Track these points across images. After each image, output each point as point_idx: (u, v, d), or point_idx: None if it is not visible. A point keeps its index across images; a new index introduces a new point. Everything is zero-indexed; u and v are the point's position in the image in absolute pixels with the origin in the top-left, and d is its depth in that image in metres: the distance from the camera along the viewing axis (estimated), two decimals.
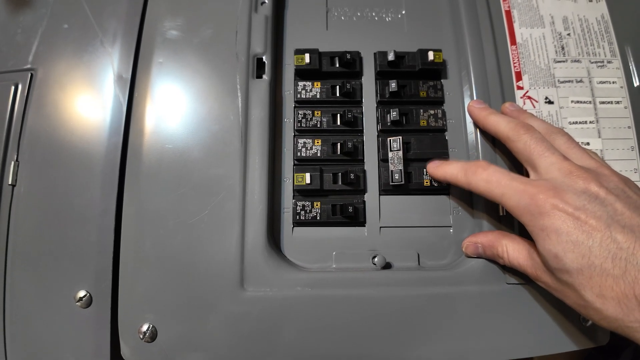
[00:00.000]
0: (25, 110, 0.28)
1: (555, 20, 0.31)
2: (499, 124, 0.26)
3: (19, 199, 0.27)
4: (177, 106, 0.28)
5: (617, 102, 0.29)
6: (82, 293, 0.26)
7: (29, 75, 0.29)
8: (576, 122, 0.29)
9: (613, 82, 0.30)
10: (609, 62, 0.30)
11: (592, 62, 0.30)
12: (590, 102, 0.29)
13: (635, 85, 0.30)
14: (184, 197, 0.26)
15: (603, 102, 0.29)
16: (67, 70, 0.29)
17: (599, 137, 0.29)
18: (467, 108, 0.28)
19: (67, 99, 0.29)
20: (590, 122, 0.29)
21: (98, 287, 0.26)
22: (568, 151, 0.25)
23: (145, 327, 0.25)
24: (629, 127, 0.29)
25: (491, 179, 0.24)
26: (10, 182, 0.27)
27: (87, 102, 0.28)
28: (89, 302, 0.26)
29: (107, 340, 0.26)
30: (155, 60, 0.29)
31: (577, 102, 0.29)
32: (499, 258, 0.25)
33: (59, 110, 0.28)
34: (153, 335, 0.25)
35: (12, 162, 0.27)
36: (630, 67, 0.30)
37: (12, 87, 0.28)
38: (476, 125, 0.28)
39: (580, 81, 0.30)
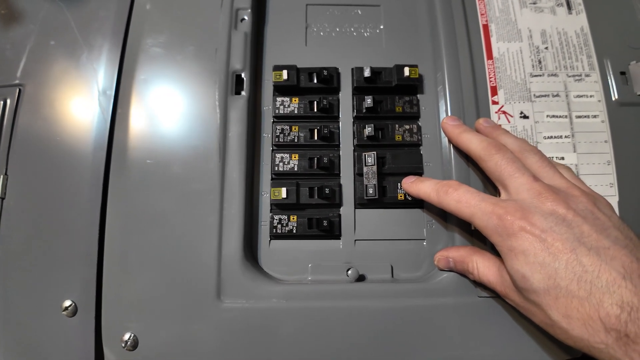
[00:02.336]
0: (13, 125, 0.30)
1: (533, 34, 0.31)
2: (471, 143, 0.27)
3: (8, 211, 0.29)
4: (158, 122, 0.29)
5: (594, 116, 0.30)
6: (67, 303, 0.27)
7: (17, 90, 0.30)
8: (551, 137, 0.30)
9: (590, 96, 0.31)
10: (587, 75, 0.31)
11: (570, 76, 0.31)
12: (566, 117, 0.30)
13: (613, 99, 0.31)
14: (165, 211, 0.28)
15: (579, 117, 0.30)
16: (54, 86, 0.31)
17: (574, 151, 0.29)
18: (441, 124, 0.29)
19: (54, 114, 0.30)
20: (566, 137, 0.30)
21: (83, 297, 0.28)
22: (539, 170, 0.25)
23: (127, 336, 0.26)
24: (605, 142, 0.30)
25: (461, 199, 0.25)
26: None
27: (72, 118, 0.30)
28: (74, 311, 0.28)
29: (91, 349, 0.27)
30: (137, 76, 0.30)
31: (553, 116, 0.30)
32: (469, 273, 0.26)
33: (46, 126, 0.30)
34: (135, 344, 0.26)
35: (1, 176, 0.29)
36: (609, 80, 0.31)
37: (1, 102, 0.30)
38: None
39: (557, 95, 0.30)
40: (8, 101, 0.30)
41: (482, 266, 0.25)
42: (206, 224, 0.27)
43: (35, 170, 0.29)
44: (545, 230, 0.21)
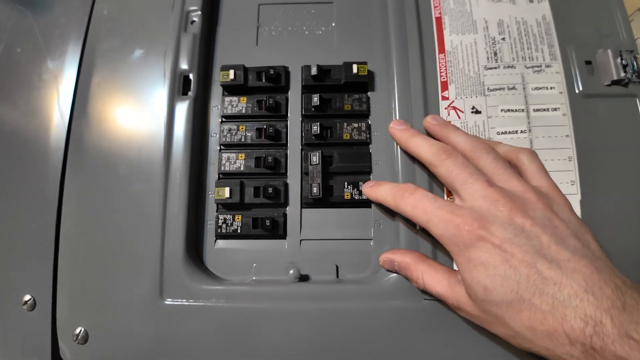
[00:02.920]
0: None
1: (490, 25, 0.30)
2: (421, 148, 0.26)
3: None
4: (111, 124, 0.30)
5: (555, 109, 0.29)
6: (27, 297, 0.29)
7: None
8: (505, 132, 0.28)
9: (551, 88, 0.29)
10: (547, 66, 0.29)
11: (528, 67, 0.29)
12: (522, 110, 0.29)
13: (577, 91, 0.29)
14: (112, 211, 0.29)
15: (538, 110, 0.29)
16: (19, 92, 0.32)
17: (531, 147, 0.28)
18: (388, 129, 0.29)
19: (17, 119, 0.32)
20: (522, 132, 0.28)
21: (41, 292, 0.29)
22: (494, 172, 0.24)
23: (78, 330, 0.28)
24: (567, 136, 0.28)
25: (417, 204, 0.24)
26: None
27: (34, 121, 0.31)
28: (33, 305, 0.29)
29: (49, 341, 0.29)
30: (93, 80, 0.31)
31: (508, 110, 0.29)
32: (412, 281, 0.26)
33: (8, 131, 0.32)
34: (85, 338, 0.28)
35: None
36: (573, 70, 0.29)
37: None
38: None
39: (513, 88, 0.29)
40: None
41: (429, 278, 0.24)
42: (149, 224, 0.28)
43: (0, 172, 0.31)
44: (505, 241, 0.21)
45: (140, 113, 0.30)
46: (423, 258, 0.26)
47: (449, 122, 0.28)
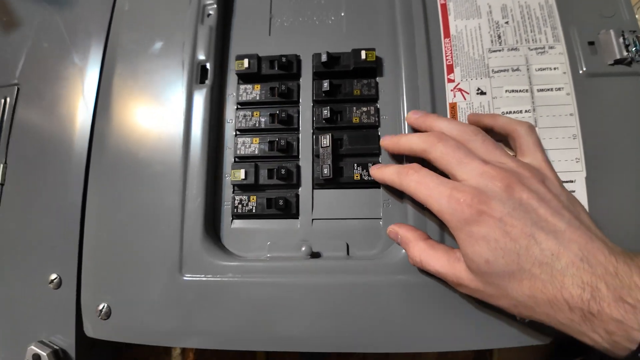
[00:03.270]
0: (12, 120, 0.34)
1: (493, 9, 0.31)
2: (412, 142, 0.27)
3: (6, 196, 0.33)
4: (132, 113, 0.32)
5: (558, 89, 0.30)
6: (53, 276, 0.31)
7: (16, 89, 0.35)
8: (510, 112, 0.29)
9: (555, 68, 0.30)
10: (550, 47, 0.30)
11: (532, 49, 0.30)
12: (526, 91, 0.30)
13: (580, 71, 0.30)
14: (134, 192, 0.31)
15: (541, 90, 0.30)
16: (46, 84, 0.35)
17: (536, 126, 0.29)
18: (380, 143, 0.30)
19: (46, 110, 0.34)
20: (526, 112, 0.29)
21: (66, 271, 0.31)
22: (486, 153, 0.25)
23: (101, 306, 0.29)
24: (571, 115, 0.29)
25: (421, 180, 0.25)
26: None
27: (61, 112, 0.34)
28: (59, 284, 0.31)
29: (73, 317, 0.30)
30: (116, 72, 0.33)
31: (512, 91, 0.30)
32: (409, 258, 0.27)
33: (39, 120, 0.34)
34: (108, 314, 0.29)
35: (1, 164, 0.33)
36: (576, 51, 0.30)
37: (2, 100, 0.34)
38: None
39: (517, 69, 0.30)
40: (8, 99, 0.34)
41: (427, 256, 0.26)
42: (169, 205, 0.30)
43: (28, 159, 0.33)
44: (505, 214, 0.22)
45: (161, 101, 0.32)
46: (424, 237, 0.27)
47: (430, 113, 0.29)
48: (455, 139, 0.26)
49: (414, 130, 0.29)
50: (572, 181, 0.28)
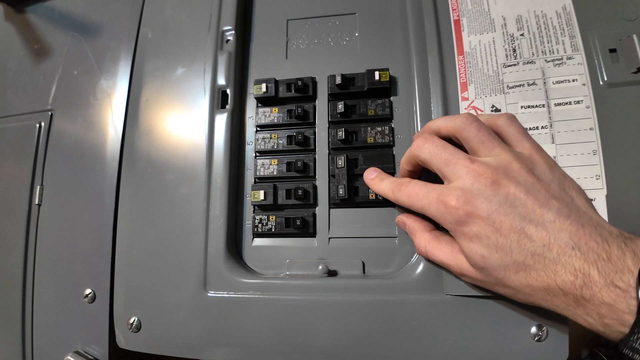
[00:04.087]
0: (47, 144, 0.37)
1: (508, 21, 0.32)
2: (410, 150, 0.28)
3: (43, 216, 0.36)
4: (157, 136, 0.35)
5: (577, 102, 0.30)
6: (88, 291, 0.34)
7: (50, 114, 0.38)
8: (526, 129, 0.30)
9: (573, 80, 0.30)
10: (569, 58, 0.31)
11: (549, 61, 0.31)
12: (543, 106, 0.30)
13: (601, 82, 0.30)
14: (161, 212, 0.33)
15: (559, 104, 0.30)
16: (78, 110, 0.38)
17: (553, 142, 0.30)
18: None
19: (78, 134, 0.37)
20: (543, 127, 0.30)
21: (100, 286, 0.34)
22: (478, 145, 0.26)
23: (132, 320, 0.32)
24: (590, 129, 0.29)
25: (411, 193, 0.27)
26: (37, 202, 0.36)
27: (91, 136, 0.37)
28: (93, 298, 0.34)
29: (106, 330, 0.33)
30: (141, 98, 0.36)
31: (528, 106, 0.30)
32: (416, 248, 0.29)
33: (72, 144, 0.37)
34: (138, 327, 0.32)
35: (38, 186, 0.37)
36: (596, 60, 0.30)
37: (37, 125, 0.38)
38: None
39: (533, 84, 0.31)
40: (42, 124, 0.38)
41: (432, 246, 0.27)
42: (194, 224, 0.32)
43: (63, 180, 0.36)
44: (492, 212, 0.23)
45: (184, 125, 0.34)
46: (430, 228, 0.29)
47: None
48: (450, 132, 0.27)
49: None
50: (592, 199, 0.28)
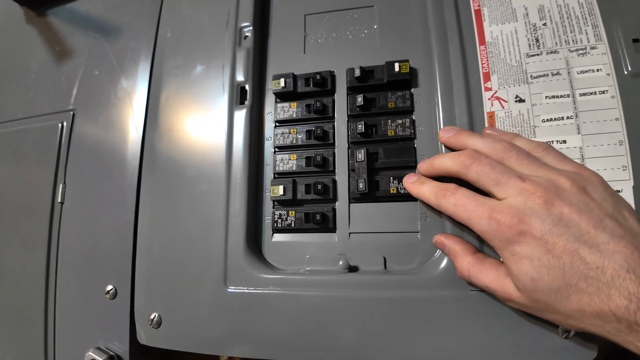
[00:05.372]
0: (69, 143, 0.40)
1: (530, 11, 0.33)
2: (445, 164, 0.29)
3: (66, 214, 0.38)
4: (178, 133, 0.37)
5: (602, 92, 0.30)
6: (109, 287, 0.36)
7: (72, 114, 0.40)
8: (550, 120, 0.31)
9: (597, 70, 0.31)
10: (592, 48, 0.31)
11: (572, 51, 0.31)
12: (568, 96, 0.31)
13: (625, 71, 0.30)
14: (181, 209, 0.35)
15: (584, 94, 0.30)
16: (99, 109, 0.40)
17: (578, 133, 0.30)
18: (417, 169, 0.32)
19: (100, 133, 0.39)
20: (568, 118, 0.30)
21: (121, 283, 0.36)
22: (521, 167, 0.27)
23: (152, 316, 0.34)
24: (616, 119, 0.30)
25: (458, 202, 0.27)
26: (59, 201, 0.38)
27: (112, 135, 0.39)
28: (114, 294, 0.36)
29: (127, 326, 0.35)
30: (161, 96, 0.38)
31: (553, 97, 0.31)
32: (458, 271, 0.29)
33: (93, 142, 0.39)
34: (159, 323, 0.34)
35: (61, 185, 0.39)
36: (620, 50, 0.30)
37: (60, 125, 0.40)
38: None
39: (557, 74, 0.31)
40: (65, 124, 0.40)
41: (476, 270, 0.27)
42: (214, 221, 0.34)
43: (85, 179, 0.39)
44: (545, 232, 0.23)
45: (204, 122, 0.36)
46: (473, 250, 0.29)
47: (461, 129, 0.31)
48: (489, 157, 0.27)
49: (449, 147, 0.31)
50: (619, 191, 0.29)
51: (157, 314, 0.34)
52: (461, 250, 0.29)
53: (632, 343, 0.22)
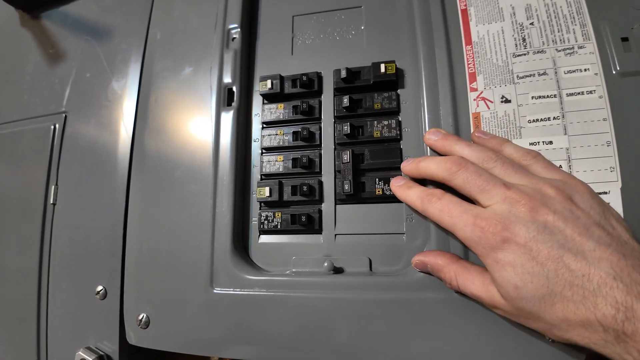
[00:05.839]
0: (62, 145, 0.41)
1: (517, 10, 0.33)
2: (430, 169, 0.29)
3: (58, 214, 0.39)
4: (166, 135, 0.38)
5: (590, 92, 0.30)
6: (99, 287, 0.37)
7: (64, 116, 0.41)
8: (537, 120, 0.31)
9: (585, 70, 0.31)
10: (580, 47, 0.31)
11: (560, 50, 0.31)
12: (555, 96, 0.31)
13: (613, 71, 0.30)
14: (170, 210, 0.36)
15: (571, 94, 0.30)
16: (91, 111, 0.41)
17: (565, 133, 0.30)
18: (401, 168, 0.32)
19: (91, 134, 0.40)
20: (555, 118, 0.30)
21: (111, 283, 0.37)
22: (507, 175, 0.27)
23: (141, 316, 0.35)
24: (604, 120, 0.30)
25: (444, 208, 0.27)
26: (52, 202, 0.39)
27: (104, 136, 0.40)
28: (104, 295, 0.37)
29: (117, 326, 0.36)
30: (150, 98, 0.39)
31: (539, 97, 0.31)
32: (446, 283, 0.29)
33: (84, 144, 0.40)
34: (147, 323, 0.35)
35: (53, 186, 0.40)
36: (608, 49, 0.30)
37: (52, 127, 0.41)
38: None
39: (544, 73, 0.31)
40: (57, 126, 0.41)
41: (462, 279, 0.27)
42: (201, 222, 0.34)
43: (76, 180, 0.40)
44: (529, 239, 0.23)
45: (192, 124, 0.37)
46: (455, 259, 0.29)
47: (449, 133, 0.31)
48: (475, 164, 0.28)
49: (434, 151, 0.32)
50: (606, 192, 0.29)
51: (145, 315, 0.35)
52: (444, 262, 0.29)
53: (619, 354, 0.21)
